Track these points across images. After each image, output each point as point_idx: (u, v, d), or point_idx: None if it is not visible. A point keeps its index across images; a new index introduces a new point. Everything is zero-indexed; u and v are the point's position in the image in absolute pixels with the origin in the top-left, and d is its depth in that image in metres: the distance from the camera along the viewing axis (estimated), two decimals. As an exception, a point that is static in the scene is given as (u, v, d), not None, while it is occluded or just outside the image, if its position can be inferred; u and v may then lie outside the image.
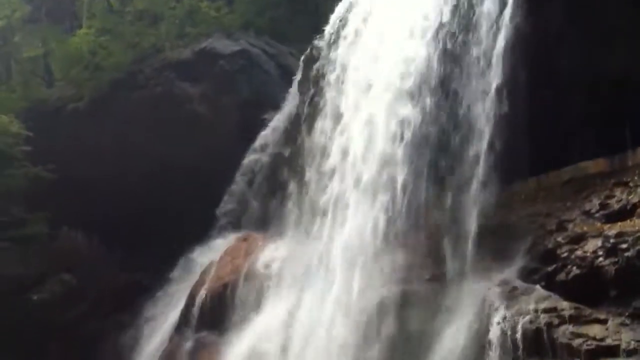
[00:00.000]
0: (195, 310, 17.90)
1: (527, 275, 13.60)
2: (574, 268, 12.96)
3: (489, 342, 12.96)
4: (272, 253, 17.60)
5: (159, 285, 20.09)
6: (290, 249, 17.19)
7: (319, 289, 15.52)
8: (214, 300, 17.66)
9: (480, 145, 14.51)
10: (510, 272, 13.76)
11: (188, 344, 17.21)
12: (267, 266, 17.38)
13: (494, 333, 12.97)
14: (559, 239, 13.35)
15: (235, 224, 20.48)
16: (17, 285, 20.31)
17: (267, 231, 18.52)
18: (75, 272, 21.40)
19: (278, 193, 18.65)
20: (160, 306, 19.86)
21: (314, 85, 18.49)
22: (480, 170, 14.34)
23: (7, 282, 20.22)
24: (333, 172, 16.05)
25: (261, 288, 17.06)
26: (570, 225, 13.40)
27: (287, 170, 18.45)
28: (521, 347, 12.68)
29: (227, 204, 20.97)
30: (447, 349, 13.41)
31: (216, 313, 17.42)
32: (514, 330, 12.82)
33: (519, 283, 13.57)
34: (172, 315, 18.87)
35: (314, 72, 18.74)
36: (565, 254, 13.14)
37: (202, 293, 18.02)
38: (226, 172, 20.86)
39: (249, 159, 20.70)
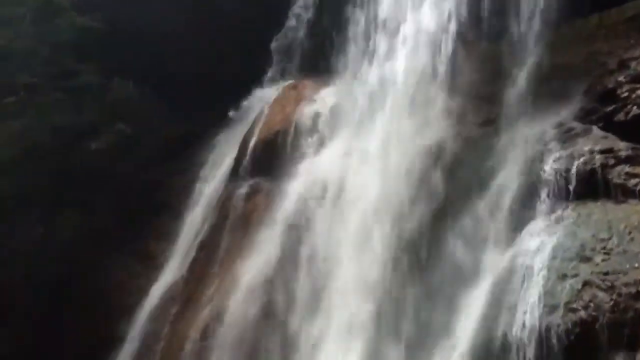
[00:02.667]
0: (248, 157, 18.15)
1: (584, 116, 13.36)
2: (634, 108, 12.66)
3: (542, 184, 12.95)
4: (322, 99, 17.54)
5: (211, 134, 20.31)
6: (341, 94, 17.08)
7: (370, 132, 15.54)
8: (266, 148, 17.85)
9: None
10: (566, 114, 13.53)
11: (242, 190, 17.59)
12: (317, 112, 17.38)
13: (547, 174, 12.94)
14: (620, 78, 12.98)
15: (285, 72, 20.33)
16: (72, 136, 20.70)
17: (317, 78, 18.37)
18: (129, 123, 21.65)
19: (328, 37, 18.31)
20: (213, 154, 20.18)
21: None
22: (538, 8, 13.78)
23: (62, 133, 20.61)
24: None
25: (312, 134, 17.15)
26: (633, 64, 12.97)
27: (337, 12, 17.99)
28: (574, 188, 12.65)
29: (275, 52, 20.74)
30: (499, 191, 13.46)
31: (268, 160, 17.65)
32: (567, 171, 12.75)
33: (575, 124, 13.36)
34: (226, 163, 19.20)
35: None
36: (626, 94, 12.80)
37: (254, 141, 18.21)
38: (274, 18, 20.46)
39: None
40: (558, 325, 11.43)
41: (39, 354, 17.49)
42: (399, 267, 13.90)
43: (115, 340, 16.96)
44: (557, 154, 12.96)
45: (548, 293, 11.78)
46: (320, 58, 18.58)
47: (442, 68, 14.40)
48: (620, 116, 12.79)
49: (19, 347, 17.51)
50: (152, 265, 18.08)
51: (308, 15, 19.92)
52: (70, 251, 18.83)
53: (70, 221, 19.66)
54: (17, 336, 17.69)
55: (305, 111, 17.62)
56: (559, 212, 12.64)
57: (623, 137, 12.68)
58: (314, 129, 17.12)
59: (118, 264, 18.61)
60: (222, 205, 17.74)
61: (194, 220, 18.25)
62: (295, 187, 16.21)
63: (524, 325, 11.71)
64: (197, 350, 15.77)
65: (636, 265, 11.16)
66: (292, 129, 17.58)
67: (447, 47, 14.38)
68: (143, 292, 17.56)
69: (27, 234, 19.35)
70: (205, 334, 15.86)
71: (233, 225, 16.95)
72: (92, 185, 20.24)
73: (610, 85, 13.04)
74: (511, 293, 12.15)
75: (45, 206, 19.85)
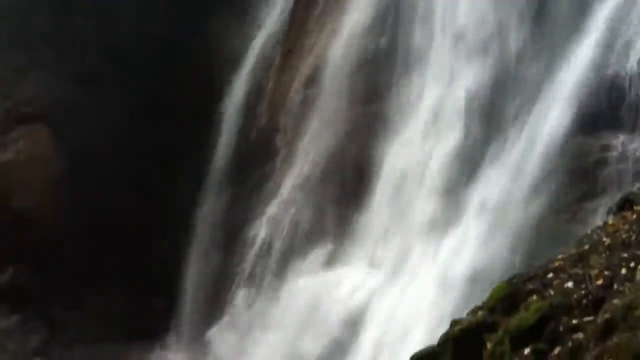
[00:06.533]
0: None
1: None
2: None
3: None
4: None
5: None
6: None
7: None
8: None
9: None
10: None
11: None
12: None
13: None
14: None
15: None
16: None
17: None
18: None
19: None
20: None
21: None
22: None
23: None
24: None
25: None
26: None
27: None
28: None
29: None
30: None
31: None
32: None
33: None
34: None
35: None
36: None
37: None
38: None
39: None
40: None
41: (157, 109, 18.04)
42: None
43: (223, 90, 17.37)
44: None
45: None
46: None
47: None
48: None
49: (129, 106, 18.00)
50: (251, 20, 17.87)
51: None
52: (175, 9, 18.73)
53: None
54: (130, 98, 18.12)
55: None
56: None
57: None
58: None
59: (219, 21, 18.45)
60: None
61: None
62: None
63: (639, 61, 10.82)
64: (301, 99, 15.98)
65: None
66: None
67: None
68: (244, 46, 17.55)
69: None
70: (309, 83, 15.92)
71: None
72: None
73: None
74: (627, 28, 11.11)
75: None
